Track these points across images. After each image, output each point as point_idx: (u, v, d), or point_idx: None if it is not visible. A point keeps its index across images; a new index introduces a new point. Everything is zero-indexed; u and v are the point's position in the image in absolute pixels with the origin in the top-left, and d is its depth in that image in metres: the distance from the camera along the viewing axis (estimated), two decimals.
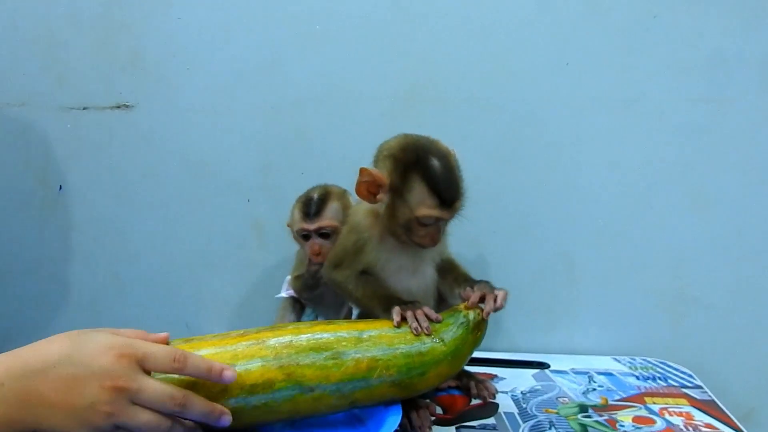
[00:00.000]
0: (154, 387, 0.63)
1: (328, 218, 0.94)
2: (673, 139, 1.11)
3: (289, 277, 1.03)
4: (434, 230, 0.82)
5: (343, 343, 0.76)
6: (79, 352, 0.62)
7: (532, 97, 1.11)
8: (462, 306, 0.81)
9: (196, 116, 1.13)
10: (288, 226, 0.99)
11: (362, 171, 0.81)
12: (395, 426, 0.74)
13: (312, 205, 0.95)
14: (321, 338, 0.76)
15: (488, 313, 0.79)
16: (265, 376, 0.72)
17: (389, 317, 0.79)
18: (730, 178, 1.11)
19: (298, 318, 1.02)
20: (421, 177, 0.79)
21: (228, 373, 0.68)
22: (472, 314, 0.80)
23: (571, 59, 1.09)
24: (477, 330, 0.80)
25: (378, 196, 0.82)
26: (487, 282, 0.84)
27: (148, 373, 0.64)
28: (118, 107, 1.14)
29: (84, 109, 1.14)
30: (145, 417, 0.62)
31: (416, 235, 0.82)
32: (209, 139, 1.14)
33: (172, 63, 1.13)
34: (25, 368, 0.60)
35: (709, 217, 1.12)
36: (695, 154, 1.11)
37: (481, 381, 0.93)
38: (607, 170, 1.12)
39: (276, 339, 0.75)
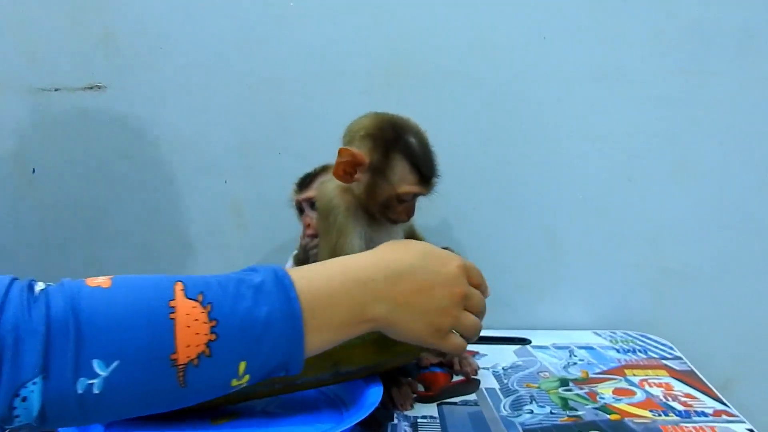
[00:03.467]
0: (477, 294, 0.73)
1: (314, 188, 0.95)
2: (653, 112, 1.11)
3: (295, 252, 1.02)
4: (410, 206, 0.84)
5: None
6: (432, 261, 0.70)
7: (511, 71, 1.10)
8: None
9: (170, 96, 1.11)
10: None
11: (342, 151, 0.80)
12: (377, 401, 0.74)
13: (305, 177, 0.97)
14: None
15: None
16: None
17: None
18: (710, 150, 1.11)
19: None
20: (402, 155, 0.80)
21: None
22: None
23: (549, 32, 1.09)
24: None
25: (356, 176, 0.82)
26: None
27: None
28: (91, 88, 1.12)
29: (56, 90, 1.12)
30: (470, 320, 0.72)
31: (393, 211, 0.83)
32: (184, 119, 1.12)
33: (145, 42, 1.10)
34: (391, 269, 0.67)
35: (689, 190, 1.12)
36: (675, 127, 1.11)
37: (464, 357, 0.94)
38: (587, 143, 1.12)
39: None
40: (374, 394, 0.76)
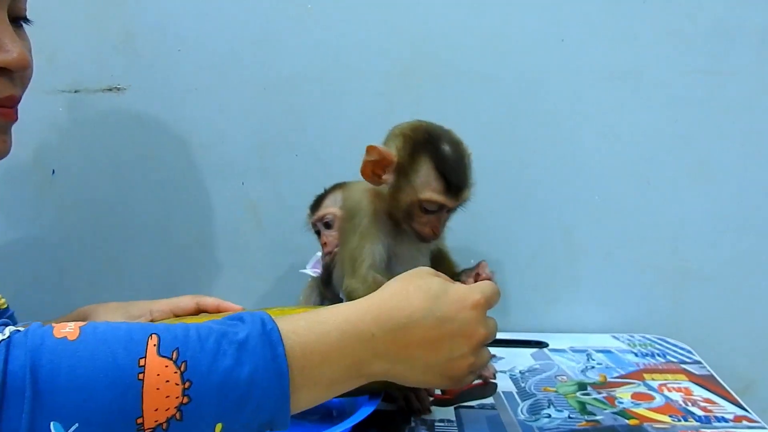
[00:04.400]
0: (494, 325, 0.67)
1: (326, 207, 0.94)
2: (672, 112, 1.10)
3: (319, 254, 0.99)
4: (436, 219, 0.79)
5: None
6: (438, 308, 0.62)
7: (529, 72, 1.10)
8: None
9: (188, 98, 1.12)
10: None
11: (369, 149, 0.77)
12: (374, 405, 0.73)
13: (317, 199, 0.96)
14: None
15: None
16: None
17: None
18: (729, 151, 1.10)
19: (322, 298, 0.99)
20: (430, 158, 0.76)
21: None
22: None
23: (567, 33, 1.08)
24: None
25: (384, 177, 0.78)
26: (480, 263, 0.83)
27: None
28: (110, 89, 1.12)
29: (76, 92, 1.13)
30: (487, 355, 0.68)
31: (417, 221, 0.79)
32: (202, 120, 1.13)
33: (164, 44, 1.11)
34: (392, 321, 0.61)
35: (708, 191, 1.11)
36: (694, 127, 1.10)
37: None
38: (605, 144, 1.11)
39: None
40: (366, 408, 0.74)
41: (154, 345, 0.51)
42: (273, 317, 0.56)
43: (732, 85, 1.08)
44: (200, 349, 0.52)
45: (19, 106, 0.77)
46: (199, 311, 0.82)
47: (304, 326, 0.57)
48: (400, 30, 1.09)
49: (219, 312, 0.80)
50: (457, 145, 0.78)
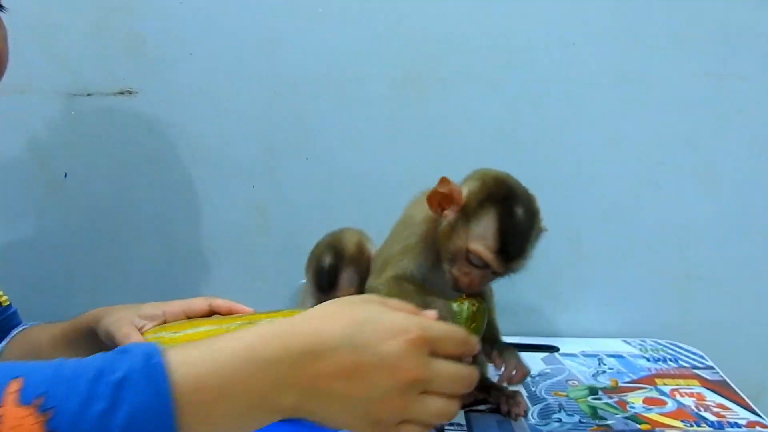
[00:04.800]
0: (450, 371, 0.54)
1: (344, 289, 0.88)
2: (678, 116, 1.09)
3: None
4: (477, 275, 0.75)
5: None
6: (361, 334, 0.52)
7: (534, 76, 1.10)
8: (458, 299, 0.77)
9: (198, 101, 1.12)
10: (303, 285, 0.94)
11: (443, 181, 0.74)
12: None
13: (324, 276, 0.88)
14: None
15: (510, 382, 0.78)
16: None
17: None
18: (736, 155, 1.10)
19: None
20: (497, 214, 0.73)
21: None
22: (466, 304, 0.76)
23: (574, 37, 1.08)
24: (471, 321, 0.75)
25: (445, 212, 0.76)
26: (515, 352, 0.81)
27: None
28: (122, 93, 1.13)
29: (88, 95, 1.13)
30: (435, 405, 0.53)
31: (459, 269, 0.75)
32: (212, 123, 1.13)
33: (174, 47, 1.11)
34: (306, 345, 0.51)
35: (716, 195, 1.11)
36: (701, 131, 1.10)
37: (511, 396, 0.84)
38: (612, 148, 1.11)
39: (241, 321, 0.75)
40: None
41: (16, 391, 0.45)
42: (165, 346, 0.49)
43: (739, 89, 1.08)
44: (70, 391, 0.45)
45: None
46: (211, 313, 0.82)
47: (197, 356, 0.49)
48: (408, 34, 1.09)
49: (231, 314, 0.79)
50: (531, 214, 0.75)
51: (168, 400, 0.46)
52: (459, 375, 0.55)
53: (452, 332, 0.56)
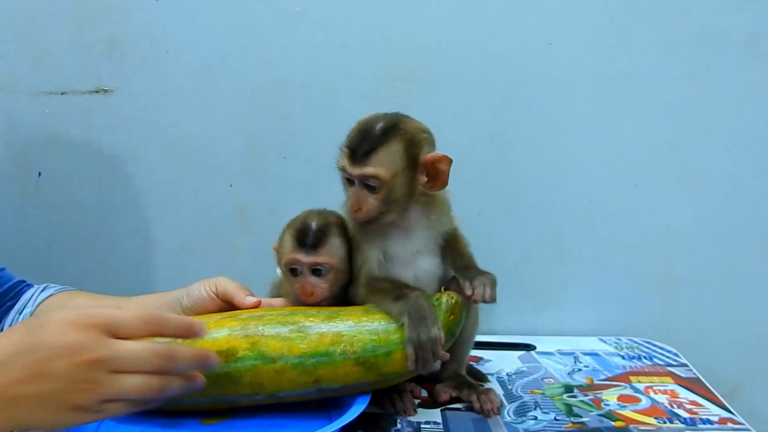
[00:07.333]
0: (132, 347, 0.57)
1: (328, 253, 0.80)
2: (659, 118, 1.10)
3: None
4: (356, 194, 0.78)
5: (311, 319, 0.76)
6: (36, 335, 0.55)
7: (517, 77, 1.10)
8: (437, 294, 0.79)
9: (176, 100, 1.12)
10: (275, 249, 0.86)
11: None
12: (359, 410, 0.73)
13: (310, 234, 0.80)
14: (289, 314, 0.77)
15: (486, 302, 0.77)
16: (230, 343, 0.73)
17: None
18: (717, 156, 1.11)
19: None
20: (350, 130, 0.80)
21: (203, 327, 0.63)
22: (444, 297, 0.78)
23: (555, 38, 1.08)
24: (450, 314, 0.78)
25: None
26: (483, 272, 0.80)
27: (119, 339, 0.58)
28: (97, 92, 1.12)
29: (62, 94, 1.12)
30: (131, 381, 0.56)
31: (347, 201, 0.80)
32: (190, 123, 1.13)
33: (151, 46, 1.11)
34: None
35: (695, 195, 1.12)
36: (682, 132, 1.11)
37: (484, 392, 0.84)
38: (593, 149, 1.12)
39: (249, 314, 0.77)
40: (361, 400, 0.75)
41: None
42: None
43: (719, 90, 1.09)
44: None
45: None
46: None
47: None
48: (389, 33, 1.09)
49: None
50: (369, 122, 0.79)
51: None
52: (148, 349, 0.57)
53: (128, 315, 0.58)
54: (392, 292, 0.78)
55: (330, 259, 0.80)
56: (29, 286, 0.90)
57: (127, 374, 0.56)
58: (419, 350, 0.73)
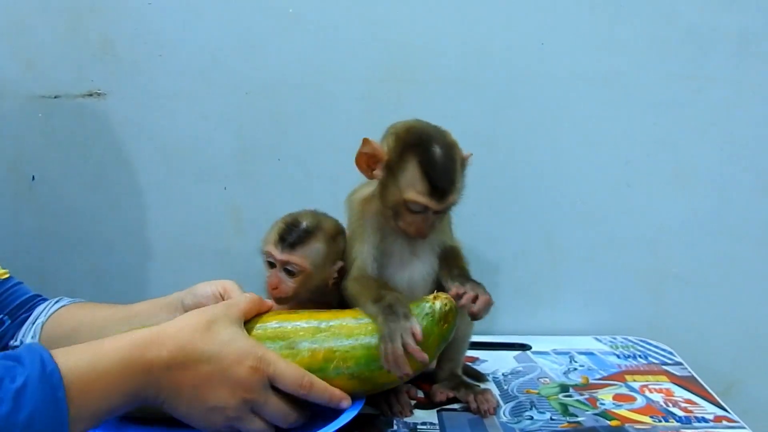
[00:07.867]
0: (277, 404, 0.70)
1: (302, 256, 0.80)
2: (651, 117, 1.11)
3: None
4: (421, 220, 0.78)
5: (300, 333, 0.75)
6: (219, 355, 0.66)
7: (510, 77, 1.10)
8: (431, 297, 0.77)
9: (169, 103, 1.11)
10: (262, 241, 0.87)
11: (365, 141, 0.78)
12: (354, 413, 0.73)
13: (293, 233, 0.81)
14: (278, 328, 0.75)
15: (472, 312, 0.75)
16: None
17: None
18: (708, 155, 1.11)
19: None
20: (417, 159, 0.76)
21: (344, 403, 0.73)
22: (438, 304, 0.75)
23: (547, 38, 1.09)
24: (444, 321, 0.75)
25: (375, 172, 0.79)
26: (479, 283, 0.79)
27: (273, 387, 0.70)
28: (90, 95, 1.12)
29: (55, 97, 1.12)
30: (257, 425, 0.69)
31: (403, 220, 0.79)
32: (183, 125, 1.12)
33: (144, 49, 1.10)
34: (173, 362, 0.65)
35: (688, 194, 1.12)
36: (674, 131, 1.11)
37: (481, 392, 0.84)
38: (586, 149, 1.12)
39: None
40: (356, 404, 0.74)
41: None
42: (53, 353, 0.58)
43: (710, 90, 1.09)
44: None
45: None
46: None
47: (86, 362, 0.60)
48: (382, 34, 1.09)
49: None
50: (448, 148, 0.78)
51: (64, 406, 0.56)
52: (283, 411, 0.70)
53: (289, 371, 0.70)
54: (374, 293, 0.77)
55: (302, 262, 0.80)
56: (43, 300, 0.92)
57: (259, 418, 0.69)
58: (388, 343, 0.71)
